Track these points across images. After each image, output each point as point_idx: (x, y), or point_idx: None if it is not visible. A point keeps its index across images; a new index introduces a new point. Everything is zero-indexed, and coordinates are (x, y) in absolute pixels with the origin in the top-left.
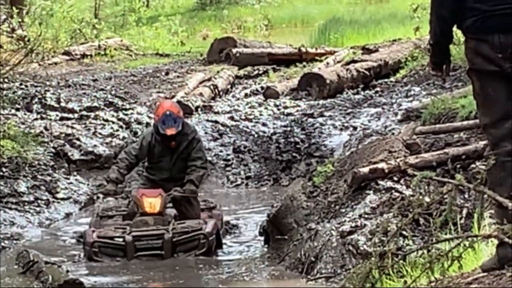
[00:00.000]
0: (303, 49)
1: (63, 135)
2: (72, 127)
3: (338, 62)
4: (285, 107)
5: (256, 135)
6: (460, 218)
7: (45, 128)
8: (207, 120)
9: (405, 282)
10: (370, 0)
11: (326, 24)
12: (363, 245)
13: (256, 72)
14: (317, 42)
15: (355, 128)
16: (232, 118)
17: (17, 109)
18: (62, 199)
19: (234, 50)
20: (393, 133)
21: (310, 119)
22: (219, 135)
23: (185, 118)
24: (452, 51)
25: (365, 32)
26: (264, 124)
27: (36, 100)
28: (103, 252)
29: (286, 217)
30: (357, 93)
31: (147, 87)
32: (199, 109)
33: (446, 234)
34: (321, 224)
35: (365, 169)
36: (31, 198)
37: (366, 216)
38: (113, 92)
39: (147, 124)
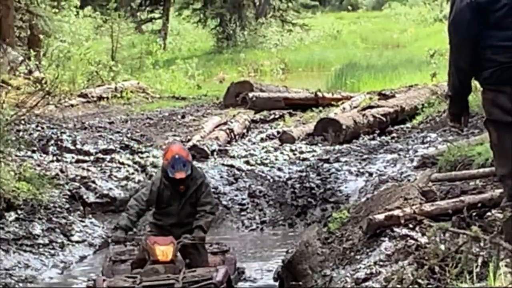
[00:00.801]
0: (320, 94)
1: (78, 177)
2: (88, 170)
3: (355, 107)
4: (301, 152)
5: (271, 180)
6: (476, 267)
7: (61, 171)
8: (223, 164)
9: None
10: (387, 45)
11: (342, 69)
12: None
13: (272, 116)
14: (334, 86)
15: (370, 174)
16: (247, 163)
17: (33, 151)
18: (77, 242)
19: (250, 94)
20: (409, 180)
21: (326, 165)
22: (234, 179)
23: (200, 162)
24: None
25: (382, 77)
26: (279, 169)
27: (52, 142)
28: None
29: (301, 263)
30: (373, 138)
31: (163, 130)
32: (214, 153)
33: (461, 282)
34: (336, 271)
35: (381, 216)
36: (46, 240)
37: (381, 263)
38: (129, 135)
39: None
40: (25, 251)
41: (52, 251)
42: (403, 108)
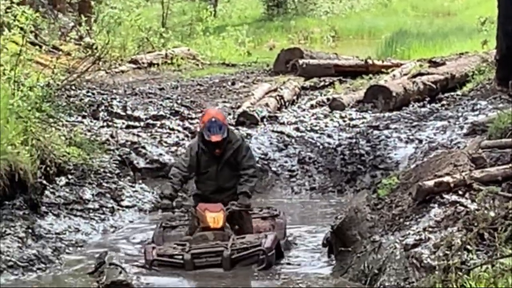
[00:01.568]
0: (370, 61)
1: (128, 143)
2: (138, 135)
3: (405, 74)
4: (351, 119)
5: (321, 147)
6: None
7: (111, 136)
8: (273, 131)
9: None
10: (437, 13)
11: (393, 37)
12: (427, 259)
13: (322, 83)
14: (384, 54)
15: (420, 141)
16: (297, 129)
17: (84, 117)
18: (127, 207)
19: (300, 61)
20: (458, 147)
21: (376, 131)
22: (284, 145)
23: (250, 129)
24: None
25: (432, 45)
26: (329, 136)
27: (103, 107)
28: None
29: (350, 229)
30: (423, 106)
31: (213, 97)
32: (264, 119)
33: (511, 249)
34: (385, 237)
35: (430, 183)
36: (96, 205)
37: (430, 229)
38: (179, 101)
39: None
40: (75, 215)
41: (102, 216)
42: (453, 76)
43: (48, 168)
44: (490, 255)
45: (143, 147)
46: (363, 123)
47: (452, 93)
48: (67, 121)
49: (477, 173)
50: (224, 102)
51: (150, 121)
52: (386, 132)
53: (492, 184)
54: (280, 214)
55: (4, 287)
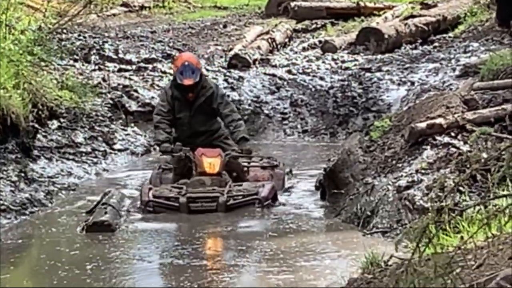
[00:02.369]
0: (362, 3)
1: (120, 86)
2: (130, 79)
3: (397, 17)
4: (343, 61)
5: (313, 89)
6: None
7: (103, 79)
8: (265, 74)
9: (462, 238)
10: None
11: None
12: (420, 200)
13: (314, 26)
14: None
15: (412, 83)
16: (289, 72)
17: (75, 60)
18: (119, 150)
19: (292, 4)
20: (451, 89)
21: (368, 74)
22: (276, 88)
23: (242, 71)
24: None
25: None
26: (321, 78)
27: (94, 51)
28: (157, 212)
29: (342, 171)
30: (415, 48)
31: (205, 40)
32: (256, 62)
33: (503, 190)
34: (377, 179)
35: (423, 124)
36: (89, 149)
37: (423, 171)
38: (171, 44)
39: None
40: (67, 159)
41: (95, 159)
42: (445, 18)
43: (40, 112)
44: (482, 197)
45: (135, 90)
46: (355, 65)
47: (444, 35)
48: (58, 64)
49: (469, 115)
50: (216, 45)
51: (142, 64)
52: (378, 74)
53: (484, 126)
54: (279, 164)
55: None
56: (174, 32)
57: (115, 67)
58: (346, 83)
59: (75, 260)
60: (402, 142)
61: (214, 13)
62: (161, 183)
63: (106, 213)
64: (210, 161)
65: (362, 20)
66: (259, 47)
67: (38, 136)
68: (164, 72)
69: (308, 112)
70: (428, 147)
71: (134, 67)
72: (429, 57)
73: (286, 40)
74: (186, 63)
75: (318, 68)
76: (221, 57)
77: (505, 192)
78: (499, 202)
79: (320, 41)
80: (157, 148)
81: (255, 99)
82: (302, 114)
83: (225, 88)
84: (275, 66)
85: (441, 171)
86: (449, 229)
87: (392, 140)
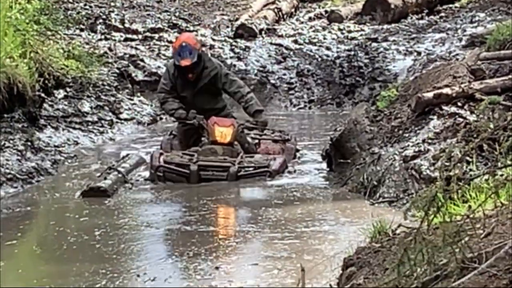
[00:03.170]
0: None
1: (127, 56)
2: (136, 48)
3: None
4: (349, 31)
5: (319, 59)
6: None
7: (109, 49)
8: (271, 43)
9: (470, 207)
10: None
11: None
12: (426, 170)
13: None
14: None
15: (419, 53)
16: (296, 42)
17: (81, 30)
18: (126, 119)
19: None
20: (457, 59)
21: (374, 44)
22: (282, 58)
23: (248, 41)
24: None
25: None
26: (328, 48)
27: (101, 20)
28: (167, 178)
29: (349, 141)
30: (422, 18)
31: (211, 10)
32: (263, 32)
33: (511, 160)
34: (384, 149)
35: (429, 94)
36: (95, 118)
37: (429, 141)
38: (177, 14)
39: (211, 46)
40: (74, 128)
41: (101, 129)
42: None
43: (46, 81)
44: (490, 166)
45: (142, 60)
46: (361, 35)
47: (451, 5)
48: (65, 34)
49: (476, 85)
50: (222, 15)
51: (148, 34)
52: (384, 44)
53: (492, 95)
54: (291, 139)
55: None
56: (180, 2)
57: (121, 36)
58: (352, 53)
59: (84, 227)
60: (409, 112)
61: None
62: (172, 149)
63: (106, 178)
64: (222, 130)
65: None
66: (265, 17)
67: (45, 105)
68: (170, 42)
69: (314, 82)
70: (435, 117)
71: (140, 36)
72: (435, 27)
73: (292, 10)
74: (184, 44)
75: (324, 38)
76: (227, 27)
77: None
78: (508, 171)
79: (326, 11)
80: (171, 116)
81: (261, 69)
82: (308, 84)
83: (231, 58)
84: (281, 36)
85: (448, 141)
86: (457, 199)
87: (399, 110)
